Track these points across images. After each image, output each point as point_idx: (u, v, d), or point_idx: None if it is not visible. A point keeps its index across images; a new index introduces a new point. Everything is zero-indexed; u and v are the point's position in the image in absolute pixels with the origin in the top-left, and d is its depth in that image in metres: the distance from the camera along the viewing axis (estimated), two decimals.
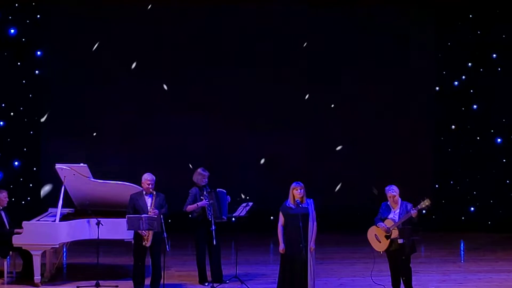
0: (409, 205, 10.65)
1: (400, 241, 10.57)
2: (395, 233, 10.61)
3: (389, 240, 10.62)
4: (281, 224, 10.56)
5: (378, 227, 10.69)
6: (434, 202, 10.67)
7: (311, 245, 10.43)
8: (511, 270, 13.16)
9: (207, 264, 11.95)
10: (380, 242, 10.75)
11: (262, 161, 17.70)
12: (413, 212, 10.47)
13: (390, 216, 10.68)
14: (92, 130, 17.26)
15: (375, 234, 10.79)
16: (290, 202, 10.53)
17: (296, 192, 10.48)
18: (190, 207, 11.71)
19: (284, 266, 10.53)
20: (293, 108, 17.82)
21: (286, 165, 17.40)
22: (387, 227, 10.60)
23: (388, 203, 10.78)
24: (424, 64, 18.14)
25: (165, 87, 17.49)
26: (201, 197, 11.66)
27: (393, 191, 10.71)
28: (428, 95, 18.24)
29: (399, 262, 10.71)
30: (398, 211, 10.67)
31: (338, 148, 18.04)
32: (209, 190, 11.77)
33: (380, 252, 10.84)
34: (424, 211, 10.51)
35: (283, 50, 17.73)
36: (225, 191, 12.05)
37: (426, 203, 10.47)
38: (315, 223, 10.48)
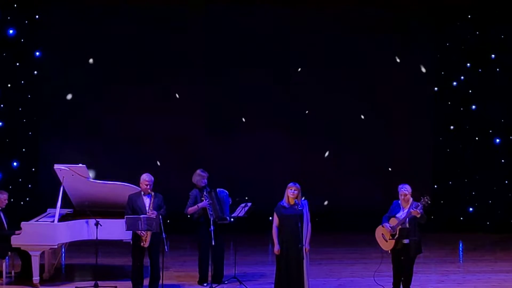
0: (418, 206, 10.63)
1: (405, 241, 10.56)
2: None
3: (394, 239, 10.59)
4: (275, 225, 10.41)
5: (384, 227, 10.66)
6: (433, 200, 10.61)
7: (306, 246, 10.30)
8: (510, 271, 13.15)
9: (209, 265, 11.92)
10: (386, 241, 10.71)
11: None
12: (413, 211, 10.46)
13: (398, 215, 10.65)
14: (91, 131, 17.23)
15: (382, 234, 10.75)
16: (285, 202, 10.40)
17: (290, 191, 10.35)
18: (191, 209, 11.69)
19: (280, 267, 10.41)
20: (293, 109, 17.82)
21: (283, 165, 17.39)
22: (391, 227, 10.57)
23: (400, 201, 10.77)
24: (423, 64, 18.13)
25: (177, 95, 17.51)
26: (201, 198, 11.65)
27: (405, 190, 10.68)
28: (427, 95, 18.24)
29: (402, 262, 10.70)
30: (407, 210, 10.66)
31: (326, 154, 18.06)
32: (209, 190, 11.74)
33: (388, 251, 10.81)
34: (420, 209, 10.46)
35: (282, 50, 17.75)
36: (227, 192, 12.00)
37: (425, 199, 10.45)
38: (309, 224, 10.39)
